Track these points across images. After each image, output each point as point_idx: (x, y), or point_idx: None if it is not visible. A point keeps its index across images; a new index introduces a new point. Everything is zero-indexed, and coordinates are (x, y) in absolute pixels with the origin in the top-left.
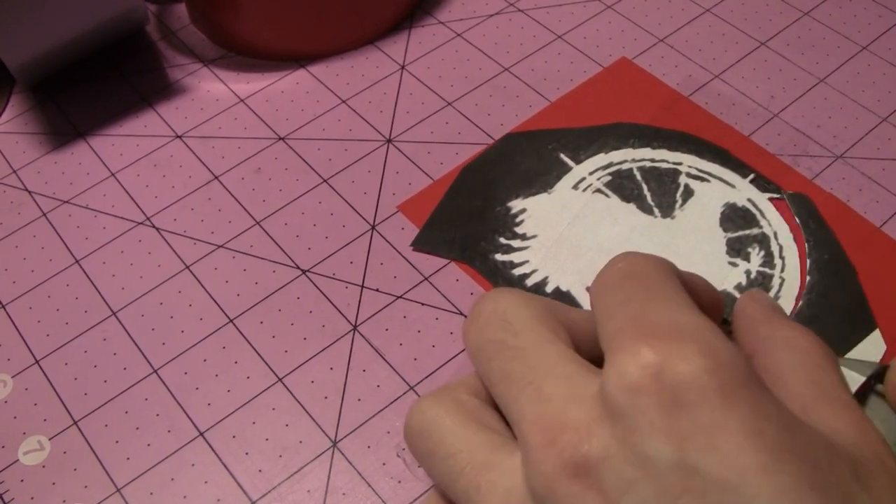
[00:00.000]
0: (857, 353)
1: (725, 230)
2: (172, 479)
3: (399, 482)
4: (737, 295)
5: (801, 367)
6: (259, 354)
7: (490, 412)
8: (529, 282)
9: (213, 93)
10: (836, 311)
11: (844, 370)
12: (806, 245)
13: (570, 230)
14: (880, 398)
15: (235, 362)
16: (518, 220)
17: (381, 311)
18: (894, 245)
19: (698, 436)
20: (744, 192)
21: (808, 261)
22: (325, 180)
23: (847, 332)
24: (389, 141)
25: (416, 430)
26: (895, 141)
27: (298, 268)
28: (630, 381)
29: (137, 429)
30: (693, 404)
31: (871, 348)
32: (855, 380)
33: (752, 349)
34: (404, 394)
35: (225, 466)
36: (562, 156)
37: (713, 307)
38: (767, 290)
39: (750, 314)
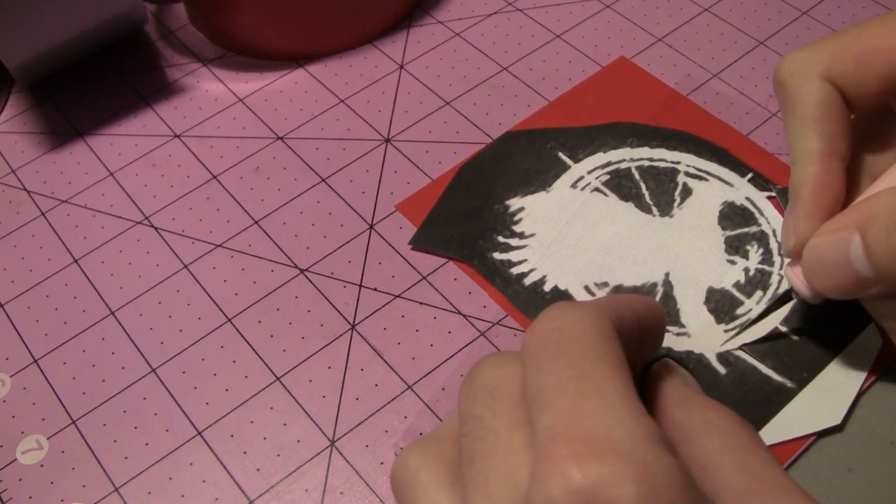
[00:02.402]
0: (853, 347)
1: (724, 228)
2: (170, 479)
3: None
4: (735, 293)
5: (728, 451)
6: (257, 353)
7: None
8: (527, 280)
9: (211, 92)
10: (831, 306)
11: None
12: None
13: (569, 229)
14: None
15: (234, 361)
16: (516, 218)
17: (379, 310)
18: None
19: None
20: (742, 190)
21: None
22: (323, 180)
23: (843, 327)
24: (388, 140)
25: (397, 480)
26: None
27: (297, 267)
28: None
29: (136, 428)
30: None
31: (867, 342)
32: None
33: (671, 436)
34: (402, 392)
35: (223, 465)
36: (560, 154)
37: (653, 332)
38: (766, 287)
39: (663, 399)
